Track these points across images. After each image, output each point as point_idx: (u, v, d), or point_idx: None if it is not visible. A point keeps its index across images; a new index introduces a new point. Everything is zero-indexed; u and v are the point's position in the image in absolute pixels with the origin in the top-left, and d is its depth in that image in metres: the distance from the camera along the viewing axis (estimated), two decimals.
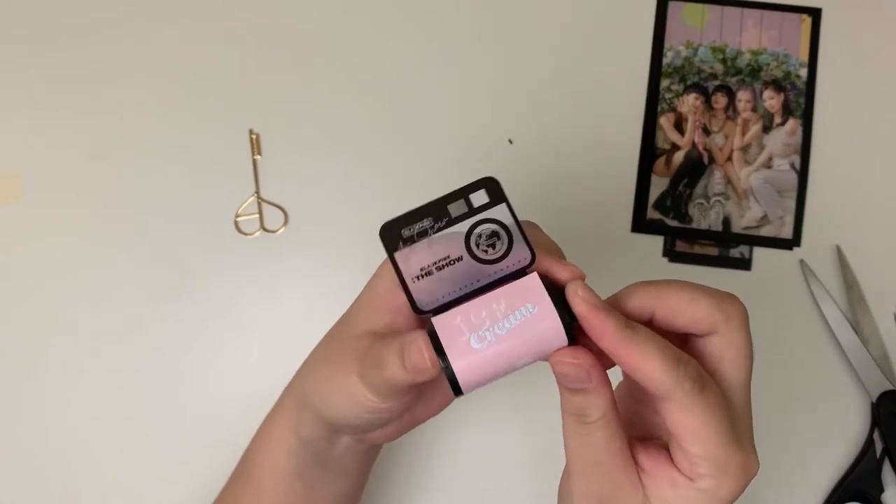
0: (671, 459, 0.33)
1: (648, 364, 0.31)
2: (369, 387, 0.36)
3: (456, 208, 0.34)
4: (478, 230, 0.34)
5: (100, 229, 0.61)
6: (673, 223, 0.61)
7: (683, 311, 0.33)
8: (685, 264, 0.60)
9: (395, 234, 0.34)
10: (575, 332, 0.33)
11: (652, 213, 0.61)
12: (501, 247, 0.34)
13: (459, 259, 0.34)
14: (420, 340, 0.33)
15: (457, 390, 0.33)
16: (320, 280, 0.60)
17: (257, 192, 0.62)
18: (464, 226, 0.34)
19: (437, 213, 0.34)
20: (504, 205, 0.34)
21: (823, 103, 0.61)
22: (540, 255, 0.34)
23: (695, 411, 0.32)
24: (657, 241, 0.60)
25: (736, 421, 0.33)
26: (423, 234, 0.34)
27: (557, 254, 0.37)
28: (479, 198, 0.34)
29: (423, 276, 0.34)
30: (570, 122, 0.62)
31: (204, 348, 0.60)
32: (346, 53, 0.63)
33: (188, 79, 0.63)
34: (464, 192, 0.34)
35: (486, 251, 0.34)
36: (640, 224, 0.61)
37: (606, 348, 0.32)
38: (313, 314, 0.60)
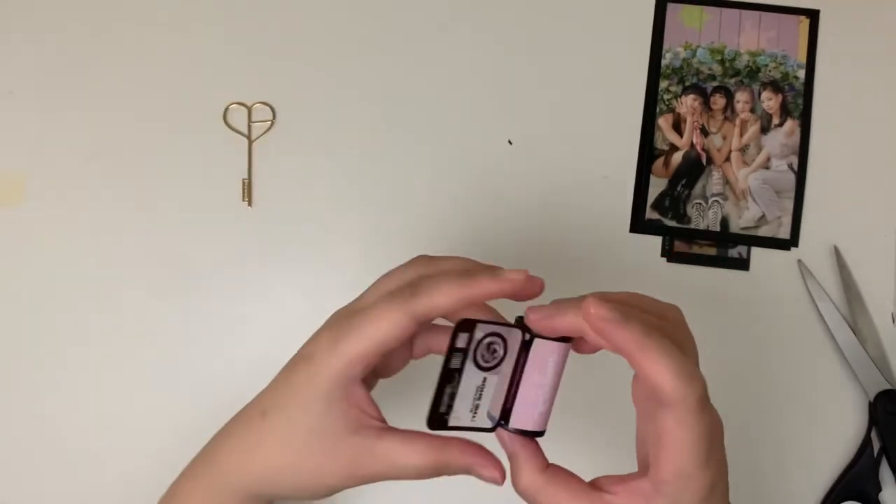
0: (637, 479, 0.36)
1: (661, 373, 0.33)
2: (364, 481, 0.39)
3: (456, 361, 0.37)
4: (478, 354, 0.37)
5: (102, 229, 0.62)
6: (671, 223, 0.61)
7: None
8: (683, 264, 0.60)
9: (439, 418, 0.37)
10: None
11: (650, 214, 0.61)
12: (498, 349, 0.37)
13: (483, 381, 0.37)
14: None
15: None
16: (321, 280, 0.61)
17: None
18: (469, 363, 0.37)
19: (449, 376, 0.36)
20: (470, 330, 0.36)
21: (821, 104, 0.61)
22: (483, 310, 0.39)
23: (685, 427, 0.34)
24: (656, 242, 0.61)
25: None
26: (452, 396, 0.37)
27: (474, 270, 0.38)
28: (461, 339, 0.36)
29: (476, 410, 0.38)
30: (569, 122, 0.62)
31: (206, 346, 0.60)
32: (346, 52, 0.63)
33: (188, 77, 0.63)
34: (451, 348, 0.36)
35: (489, 361, 0.37)
36: (639, 224, 0.61)
37: (625, 355, 0.34)
38: (314, 313, 0.61)
